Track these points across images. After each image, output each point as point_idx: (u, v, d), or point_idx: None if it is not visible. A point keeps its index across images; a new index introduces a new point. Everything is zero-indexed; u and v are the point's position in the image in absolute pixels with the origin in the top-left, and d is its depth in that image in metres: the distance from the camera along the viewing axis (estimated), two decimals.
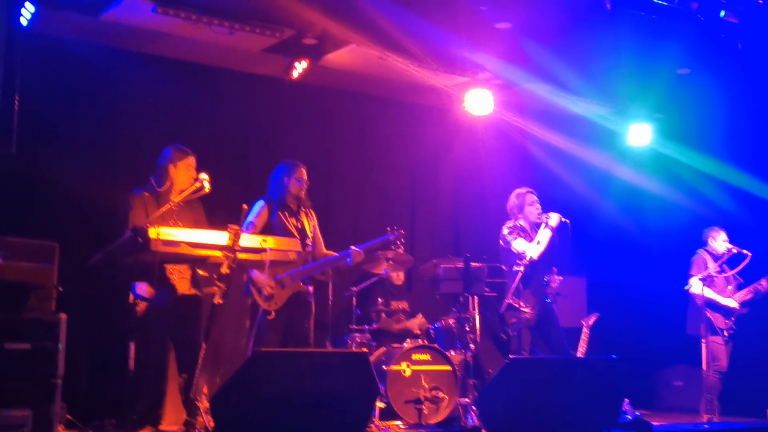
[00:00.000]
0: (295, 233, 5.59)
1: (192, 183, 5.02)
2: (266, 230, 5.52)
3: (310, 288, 5.68)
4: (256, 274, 5.37)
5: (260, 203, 5.67)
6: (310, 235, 5.72)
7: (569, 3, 6.16)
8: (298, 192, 5.67)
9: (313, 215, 5.86)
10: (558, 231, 6.04)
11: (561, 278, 6.34)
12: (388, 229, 5.84)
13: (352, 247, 5.60)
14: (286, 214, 5.65)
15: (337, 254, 5.63)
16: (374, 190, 7.98)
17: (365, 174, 7.94)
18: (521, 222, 6.22)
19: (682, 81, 7.65)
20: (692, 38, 6.55)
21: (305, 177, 5.71)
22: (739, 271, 6.98)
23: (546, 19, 6.44)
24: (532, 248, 5.98)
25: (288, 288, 5.49)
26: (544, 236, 6.02)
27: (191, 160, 5.14)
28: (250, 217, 5.58)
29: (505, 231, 6.18)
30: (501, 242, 6.20)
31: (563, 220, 6.03)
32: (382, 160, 8.02)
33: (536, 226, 6.15)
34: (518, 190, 6.34)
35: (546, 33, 6.62)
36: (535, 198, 6.27)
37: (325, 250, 5.80)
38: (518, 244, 6.05)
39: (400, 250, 6.17)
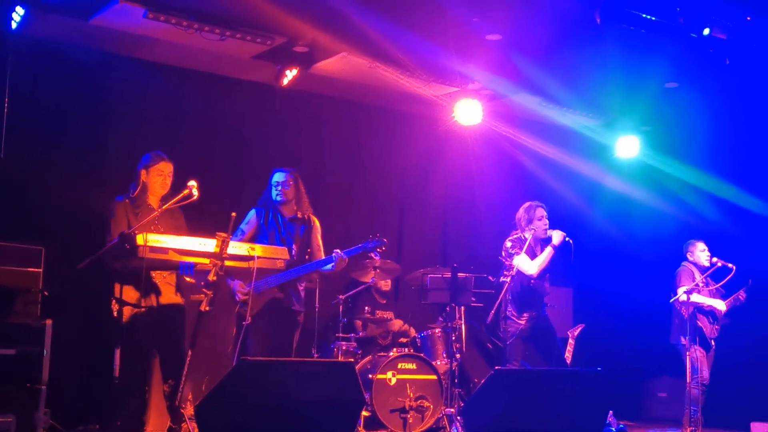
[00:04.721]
0: (283, 240, 5.48)
1: (164, 188, 5.01)
2: (255, 238, 5.44)
3: (296, 301, 5.46)
4: (231, 281, 5.26)
5: (252, 211, 5.55)
6: (301, 241, 5.53)
7: (560, 16, 6.19)
8: (282, 197, 5.48)
9: (315, 222, 5.64)
10: (560, 250, 5.98)
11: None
12: (370, 236, 5.76)
13: (336, 251, 5.39)
14: (278, 221, 5.52)
15: (317, 260, 5.46)
16: (363, 197, 8.00)
17: (354, 181, 7.96)
18: (526, 234, 6.06)
19: (670, 95, 7.73)
20: (680, 53, 6.61)
21: (287, 181, 5.49)
22: (723, 284, 7.02)
23: (536, 32, 6.47)
24: (532, 265, 5.93)
25: (264, 294, 5.27)
26: (545, 255, 5.97)
27: (164, 166, 5.04)
28: (242, 225, 5.52)
29: (508, 244, 6.06)
30: (503, 253, 6.08)
31: (567, 239, 5.96)
32: (371, 168, 8.04)
33: (540, 240, 6.08)
34: (528, 203, 6.19)
35: (536, 45, 6.65)
36: (545, 213, 6.13)
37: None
38: (518, 260, 5.92)
39: (377, 259, 6.08)
